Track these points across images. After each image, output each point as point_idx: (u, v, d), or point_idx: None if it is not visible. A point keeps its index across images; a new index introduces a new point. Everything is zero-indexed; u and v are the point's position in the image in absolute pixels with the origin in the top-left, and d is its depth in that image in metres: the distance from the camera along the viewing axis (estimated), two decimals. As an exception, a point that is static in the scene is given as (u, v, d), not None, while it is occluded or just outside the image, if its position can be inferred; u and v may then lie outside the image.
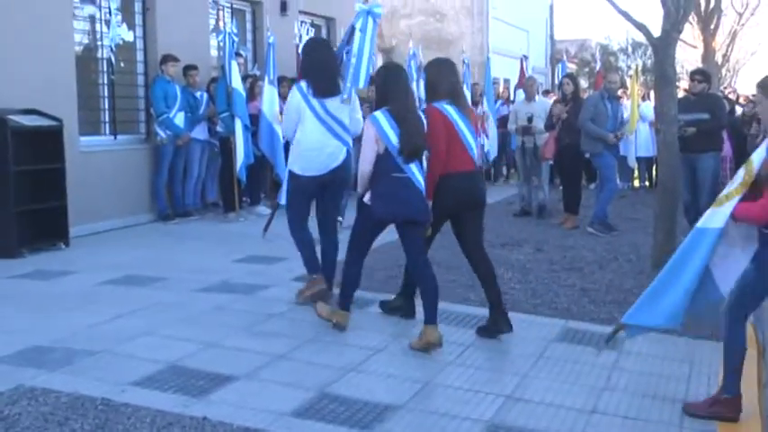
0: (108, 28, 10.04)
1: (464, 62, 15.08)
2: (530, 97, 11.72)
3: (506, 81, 23.02)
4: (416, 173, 5.35)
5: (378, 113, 5.33)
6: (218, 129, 10.84)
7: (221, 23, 11.09)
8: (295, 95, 6.03)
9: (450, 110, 5.64)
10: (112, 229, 9.78)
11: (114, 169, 9.95)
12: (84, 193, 9.30)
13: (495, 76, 17.32)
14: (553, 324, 6.08)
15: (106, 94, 10.35)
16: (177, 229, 10.02)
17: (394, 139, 5.28)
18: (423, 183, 5.38)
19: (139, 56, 10.78)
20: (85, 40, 10.10)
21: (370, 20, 6.64)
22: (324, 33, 15.66)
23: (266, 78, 10.66)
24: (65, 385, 4.45)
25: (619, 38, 54.77)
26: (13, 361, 4.84)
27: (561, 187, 11.40)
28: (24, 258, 8.10)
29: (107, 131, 10.40)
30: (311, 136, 5.98)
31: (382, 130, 5.28)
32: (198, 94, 10.94)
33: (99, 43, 10.19)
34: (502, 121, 15.84)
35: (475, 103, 14.87)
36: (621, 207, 12.46)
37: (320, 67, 6.02)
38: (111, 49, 9.96)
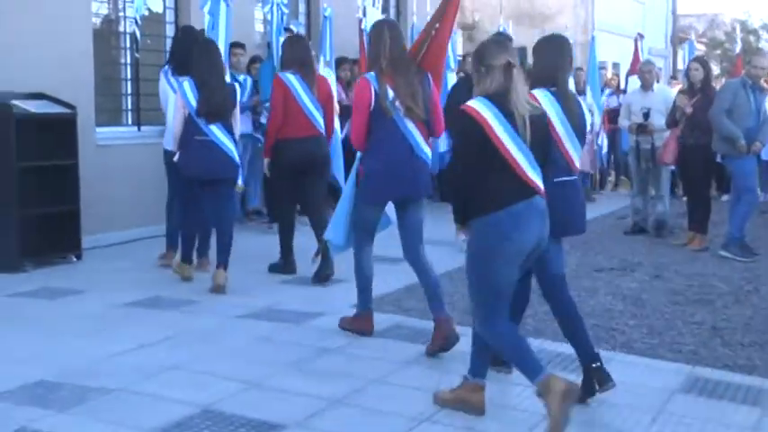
0: (133, -4, 10.25)
1: (565, 41, 14.96)
2: (646, 86, 11.56)
3: (616, 66, 22.82)
4: (220, 135, 7.71)
5: (184, 81, 7.74)
6: (263, 120, 10.87)
7: (268, -8, 11.22)
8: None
9: (292, 79, 8.00)
10: (135, 239, 9.92)
11: (138, 167, 10.12)
12: (100, 196, 9.50)
13: (601, 59, 17.19)
14: (677, 370, 5.94)
15: (129, 76, 10.54)
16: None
17: (194, 102, 7.59)
18: (229, 144, 7.75)
19: (169, 30, 10.96)
20: (104, 11, 10.30)
21: (222, 4, 8.98)
22: (393, 4, 15.72)
23: (321, 59, 10.71)
24: (75, 429, 4.48)
25: (760, 13, 53.83)
26: (14, 398, 4.90)
27: (685, 199, 11.19)
28: (28, 273, 8.26)
29: (129, 121, 10.60)
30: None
31: (185, 95, 7.62)
32: (241, 78, 11.01)
33: (121, 14, 10.39)
34: (610, 117, 15.66)
35: (579, 93, 14.72)
36: (763, 225, 12.17)
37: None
38: (136, 22, 10.12)
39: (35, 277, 8.13)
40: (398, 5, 15.92)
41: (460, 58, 15.90)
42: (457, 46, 16.13)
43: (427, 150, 6.21)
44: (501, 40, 5.19)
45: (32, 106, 8.52)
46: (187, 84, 7.80)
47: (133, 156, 10.14)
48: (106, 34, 10.33)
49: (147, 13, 10.44)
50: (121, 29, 10.43)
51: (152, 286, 7.72)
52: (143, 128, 10.55)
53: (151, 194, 10.08)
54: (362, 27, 11.58)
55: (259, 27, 12.25)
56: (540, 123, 4.79)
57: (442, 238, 10.68)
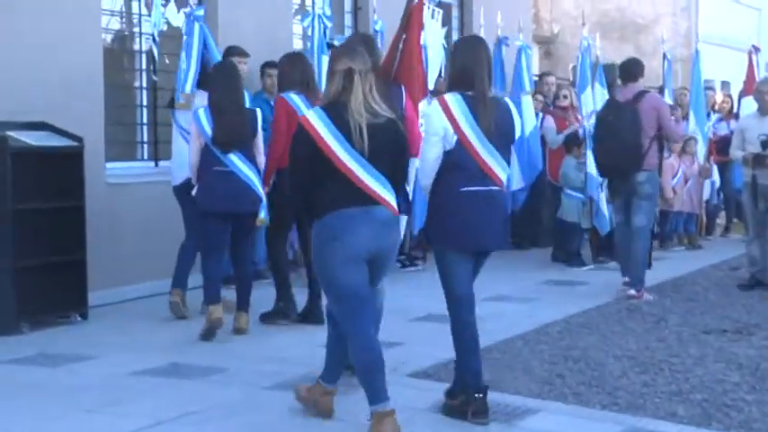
0: (150, 9, 10.35)
1: (664, 56, 14.90)
2: (764, 110, 11.42)
3: (725, 85, 22.63)
4: (240, 165, 8.09)
5: (199, 107, 8.16)
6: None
7: (308, 3, 11.30)
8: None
9: (296, 100, 8.25)
10: (151, 294, 9.94)
11: (155, 209, 10.17)
12: (111, 243, 9.59)
13: (707, 78, 17.07)
14: (808, 456, 5.80)
15: (145, 102, 10.66)
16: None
17: (209, 129, 7.98)
18: (250, 174, 8.11)
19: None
20: (116, 26, 10.44)
21: (195, 24, 9.25)
22: (456, 15, 15.79)
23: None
24: None
25: None
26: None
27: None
28: (25, 335, 8.29)
29: (145, 155, 10.71)
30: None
31: (199, 122, 8.00)
32: (276, 102, 11.14)
33: (136, 30, 10.51)
34: (719, 147, 15.49)
35: (684, 118, 14.65)
36: None
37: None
38: (154, 39, 10.24)
39: (33, 340, 8.16)
40: (462, 17, 15.98)
41: (537, 78, 15.89)
42: (532, 63, 16.11)
43: None
44: (350, 43, 6.04)
45: (31, 138, 8.59)
46: (202, 110, 8.01)
47: (149, 196, 10.19)
48: (118, 53, 10.43)
49: (166, 28, 10.57)
50: (136, 47, 10.55)
51: (170, 350, 7.73)
52: (161, 163, 10.62)
53: (170, 241, 10.00)
54: (420, 43, 11.62)
55: (298, 43, 12.35)
56: (384, 131, 5.55)
57: (515, 292, 10.64)
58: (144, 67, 10.60)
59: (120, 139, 10.43)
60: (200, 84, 9.10)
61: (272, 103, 10.95)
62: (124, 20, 10.52)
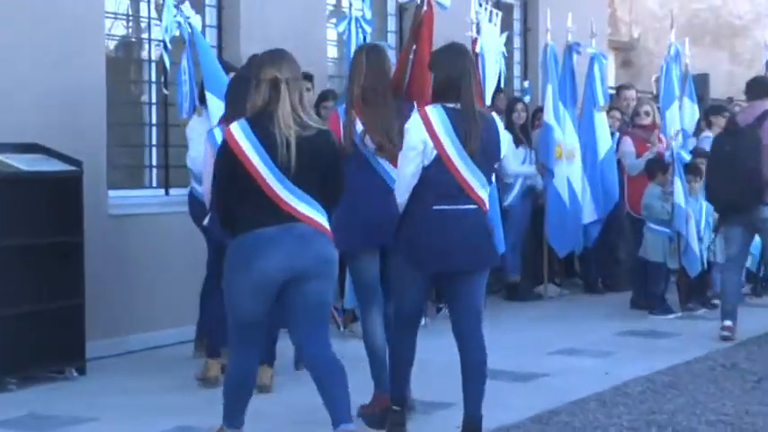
0: (160, 12, 10.35)
1: (767, 65, 14.78)
2: None
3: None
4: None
5: (215, 128, 8.11)
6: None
7: (345, 4, 11.30)
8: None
9: None
10: (159, 345, 9.95)
11: (165, 244, 10.21)
12: (114, 285, 9.60)
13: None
14: None
15: (154, 120, 10.68)
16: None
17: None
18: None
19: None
20: (121, 31, 10.47)
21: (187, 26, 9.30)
22: (518, 18, 15.76)
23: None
24: None
25: None
26: None
27: None
28: (12, 393, 8.30)
29: (154, 182, 10.75)
30: None
31: (214, 142, 7.66)
32: (309, 122, 11.13)
33: (144, 37, 10.56)
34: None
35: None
36: None
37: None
38: (165, 47, 10.24)
39: (22, 399, 8.15)
40: (526, 20, 15.94)
41: (613, 92, 15.79)
42: (607, 73, 16.04)
43: None
44: (277, 50, 6.29)
45: (22, 162, 8.62)
46: (218, 130, 7.99)
47: (159, 229, 10.20)
48: (124, 63, 10.45)
49: (179, 33, 10.56)
50: (145, 55, 10.58)
51: (182, 413, 7.70)
52: (172, 191, 10.66)
53: (183, 282, 10.11)
54: (476, 50, 11.59)
55: (333, 52, 12.37)
56: (314, 144, 5.99)
57: (588, 344, 10.55)
58: (153, 78, 10.64)
59: (125, 162, 10.44)
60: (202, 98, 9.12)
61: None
62: (131, 24, 10.55)
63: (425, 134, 6.56)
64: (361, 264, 7.57)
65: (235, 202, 6.03)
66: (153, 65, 10.62)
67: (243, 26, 11.13)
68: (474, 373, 6.87)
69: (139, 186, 10.64)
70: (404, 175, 6.74)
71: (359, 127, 7.33)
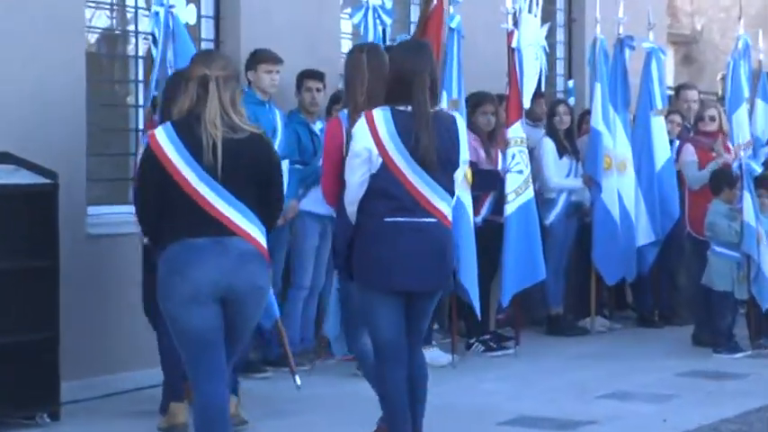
0: (149, 1, 10.37)
1: None
2: None
3: None
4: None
5: None
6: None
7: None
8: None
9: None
10: (143, 387, 9.94)
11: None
12: (92, 317, 9.62)
13: None
14: None
15: (141, 124, 10.65)
16: (269, 389, 10.16)
17: None
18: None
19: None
20: (104, 22, 10.50)
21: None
22: (561, 8, 15.77)
23: (444, 96, 10.74)
24: None
25: None
26: None
27: None
28: (-25, 442, 8.33)
29: (139, 197, 10.71)
30: None
31: None
32: (318, 126, 11.16)
33: (130, 29, 10.59)
34: None
35: None
36: None
37: None
38: (154, 39, 10.29)
39: (-14, 448, 8.20)
40: (570, 10, 15.91)
41: (672, 93, 15.76)
42: (666, 71, 16.01)
43: None
44: (211, 50, 6.98)
45: (-10, 174, 8.67)
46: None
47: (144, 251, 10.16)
48: (107, 59, 10.44)
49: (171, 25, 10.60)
50: (131, 50, 10.60)
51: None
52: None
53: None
54: (513, 45, 11.60)
55: (347, 44, 12.35)
56: (244, 148, 6.24)
57: (643, 387, 10.54)
58: (141, 77, 10.65)
59: (106, 174, 10.42)
60: None
61: (313, 126, 11.03)
62: (115, 15, 10.56)
63: (370, 140, 6.84)
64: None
65: (162, 211, 6.26)
66: (140, 61, 10.65)
67: (244, 18, 11.15)
68: (420, 393, 7.22)
69: (123, 202, 10.57)
70: (350, 184, 7.03)
71: None
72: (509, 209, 11.66)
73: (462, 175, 7.52)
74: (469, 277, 11.06)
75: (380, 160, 6.86)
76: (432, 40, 8.17)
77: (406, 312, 7.15)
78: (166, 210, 6.23)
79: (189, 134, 6.18)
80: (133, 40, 10.74)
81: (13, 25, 9.27)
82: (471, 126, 11.49)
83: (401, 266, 6.90)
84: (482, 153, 11.93)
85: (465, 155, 7.24)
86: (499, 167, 11.90)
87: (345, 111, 7.75)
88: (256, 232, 6.29)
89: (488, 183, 11.81)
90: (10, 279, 8.68)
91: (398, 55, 7.26)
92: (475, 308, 11.25)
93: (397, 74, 7.05)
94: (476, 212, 11.46)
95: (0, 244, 8.61)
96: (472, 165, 10.84)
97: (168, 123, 6.35)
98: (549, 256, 12.37)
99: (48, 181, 8.89)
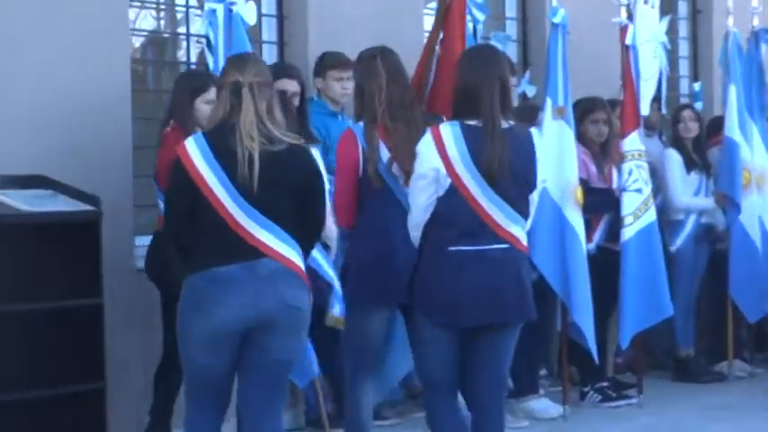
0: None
1: None
2: None
3: None
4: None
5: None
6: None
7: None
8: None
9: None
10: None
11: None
12: (143, 362, 9.62)
13: None
14: None
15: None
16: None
17: None
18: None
19: (269, 55, 11.23)
20: (150, 24, 10.60)
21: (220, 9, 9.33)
22: None
23: (548, 104, 10.76)
24: None
25: None
26: None
27: None
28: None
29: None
30: None
31: None
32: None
33: (181, 32, 10.68)
34: None
35: None
36: None
37: None
38: (208, 43, 10.32)
39: None
40: (695, 1, 15.83)
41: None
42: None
43: None
44: (245, 53, 7.04)
45: (21, 199, 8.63)
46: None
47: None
48: (156, 68, 10.48)
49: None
50: (181, 56, 10.66)
51: None
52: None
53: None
54: (627, 42, 11.55)
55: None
56: (283, 162, 6.39)
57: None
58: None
59: (155, 199, 10.45)
60: None
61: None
62: (162, 16, 10.63)
63: (438, 159, 6.90)
64: (367, 322, 7.95)
65: (190, 232, 6.49)
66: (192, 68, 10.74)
67: (311, 16, 11.22)
68: None
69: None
70: (416, 206, 7.12)
71: (384, 153, 7.70)
72: (627, 234, 11.49)
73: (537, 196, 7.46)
74: (583, 315, 10.95)
75: (449, 181, 6.92)
76: (452, 36, 8.11)
77: (476, 353, 7.23)
78: (193, 230, 6.46)
79: (221, 145, 6.36)
80: (184, 44, 10.83)
81: (49, 29, 9.37)
82: (580, 137, 11.47)
83: (459, 298, 7.03)
84: (593, 168, 11.84)
85: (541, 174, 7.24)
86: (614, 185, 11.79)
87: (360, 123, 7.86)
88: (291, 253, 6.42)
89: (601, 203, 11.65)
90: (47, 321, 8.70)
91: (465, 63, 7.34)
92: (590, 350, 11.14)
93: (464, 84, 7.12)
94: (588, 239, 11.35)
95: (36, 281, 8.63)
96: (582, 182, 10.83)
97: (199, 133, 6.55)
98: (677, 289, 12.25)
99: (89, 208, 8.88)
